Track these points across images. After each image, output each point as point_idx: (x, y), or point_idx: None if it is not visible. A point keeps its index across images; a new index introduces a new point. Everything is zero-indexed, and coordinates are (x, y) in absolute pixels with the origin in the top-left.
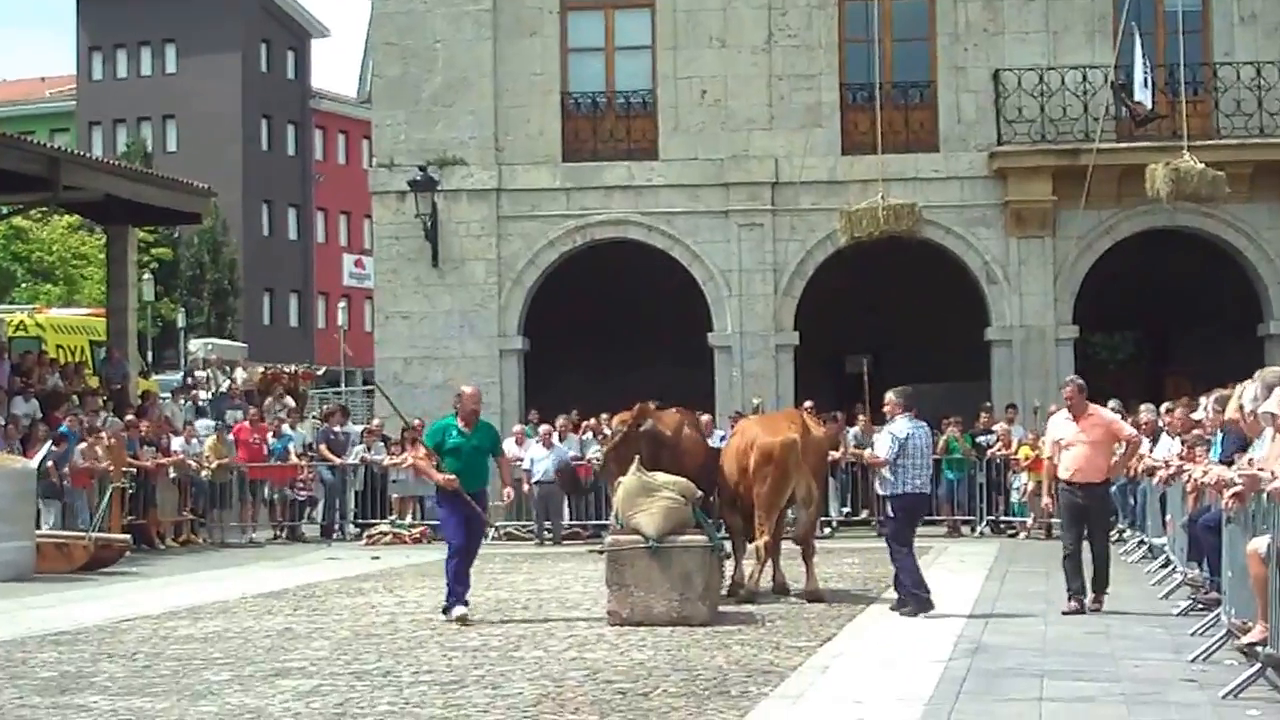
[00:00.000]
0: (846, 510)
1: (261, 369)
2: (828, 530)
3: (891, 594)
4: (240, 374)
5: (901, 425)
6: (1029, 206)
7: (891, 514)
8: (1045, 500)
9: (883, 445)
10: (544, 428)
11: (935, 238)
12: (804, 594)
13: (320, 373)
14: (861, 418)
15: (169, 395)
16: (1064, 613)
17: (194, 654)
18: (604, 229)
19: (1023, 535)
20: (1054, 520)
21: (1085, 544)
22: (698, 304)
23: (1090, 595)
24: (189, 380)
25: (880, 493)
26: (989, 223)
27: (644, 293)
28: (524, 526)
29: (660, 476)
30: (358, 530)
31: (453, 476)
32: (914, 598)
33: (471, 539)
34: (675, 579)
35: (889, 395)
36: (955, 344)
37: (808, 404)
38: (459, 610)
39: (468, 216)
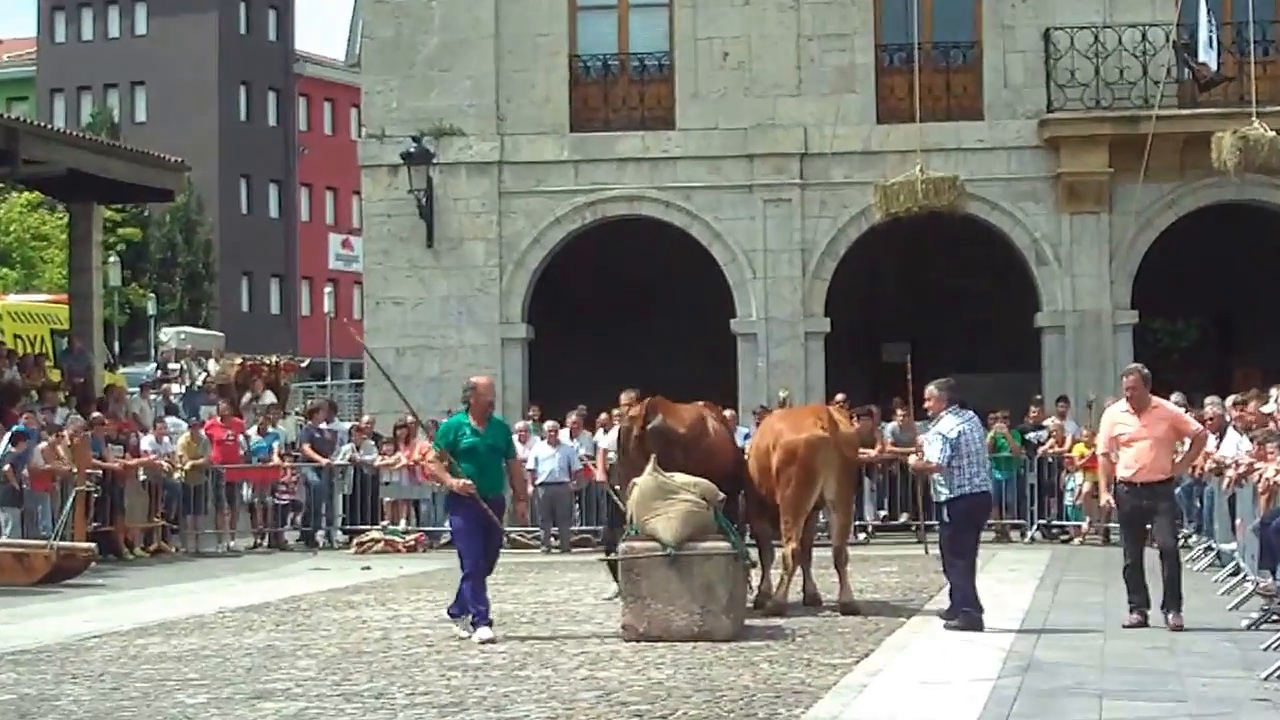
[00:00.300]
0: (883, 514)
1: (239, 360)
2: (862, 536)
3: (934, 604)
4: (214, 366)
5: (949, 422)
6: (1083, 179)
7: (948, 519)
8: (1105, 499)
9: (933, 448)
10: (550, 424)
11: (980, 214)
12: (838, 606)
13: (304, 364)
14: (900, 412)
15: (138, 390)
16: (1125, 626)
17: (167, 674)
18: (616, 205)
19: (1078, 541)
20: (1112, 524)
21: (1146, 550)
22: (719, 288)
23: (1166, 614)
24: (161, 373)
25: (935, 499)
26: (1039, 197)
27: (660, 275)
28: (529, 532)
29: (679, 478)
30: (346, 538)
31: (469, 482)
32: (964, 615)
33: (489, 551)
34: (696, 590)
35: (930, 390)
36: (1002, 331)
37: (839, 397)
38: (484, 633)
39: (466, 192)
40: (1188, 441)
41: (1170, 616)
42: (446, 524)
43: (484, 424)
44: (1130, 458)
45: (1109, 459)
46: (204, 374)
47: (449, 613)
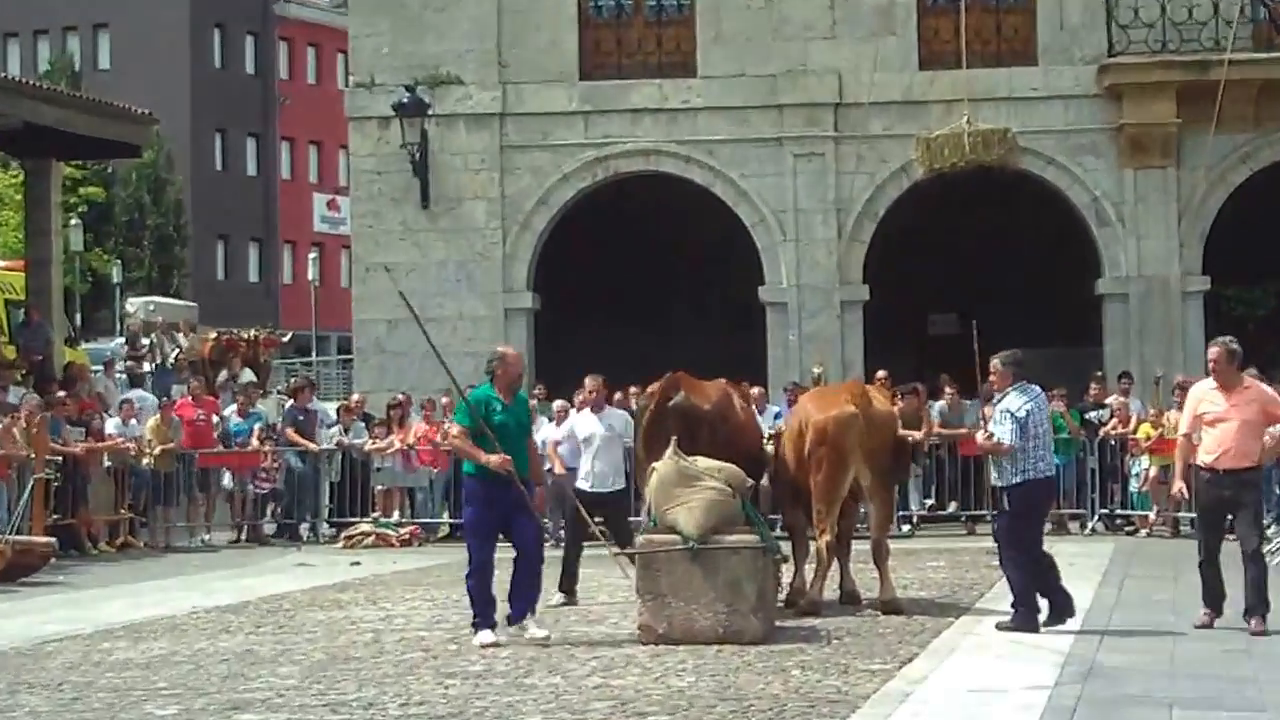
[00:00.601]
0: (930, 503)
1: (214, 334)
2: (906, 528)
3: (985, 603)
4: (184, 340)
5: (1016, 400)
6: (1147, 131)
7: (1009, 506)
8: (1178, 487)
9: (1002, 428)
10: (559, 404)
11: (1034, 170)
12: (878, 605)
13: (286, 338)
14: (948, 390)
15: (102, 367)
16: (1196, 626)
17: (133, 683)
18: (630, 161)
19: (1144, 532)
20: (1183, 514)
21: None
22: (745, 252)
23: (1248, 618)
24: (129, 349)
25: (997, 484)
26: (1099, 151)
27: (679, 239)
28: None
29: (703, 462)
30: (333, 531)
31: (507, 457)
32: (1019, 614)
33: (526, 542)
34: (721, 587)
35: (995, 363)
36: (1059, 300)
37: (881, 374)
38: (485, 636)
39: (465, 147)
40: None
41: (1253, 621)
42: (444, 515)
43: (511, 399)
44: (1213, 441)
45: (1190, 441)
46: (175, 349)
47: (509, 619)
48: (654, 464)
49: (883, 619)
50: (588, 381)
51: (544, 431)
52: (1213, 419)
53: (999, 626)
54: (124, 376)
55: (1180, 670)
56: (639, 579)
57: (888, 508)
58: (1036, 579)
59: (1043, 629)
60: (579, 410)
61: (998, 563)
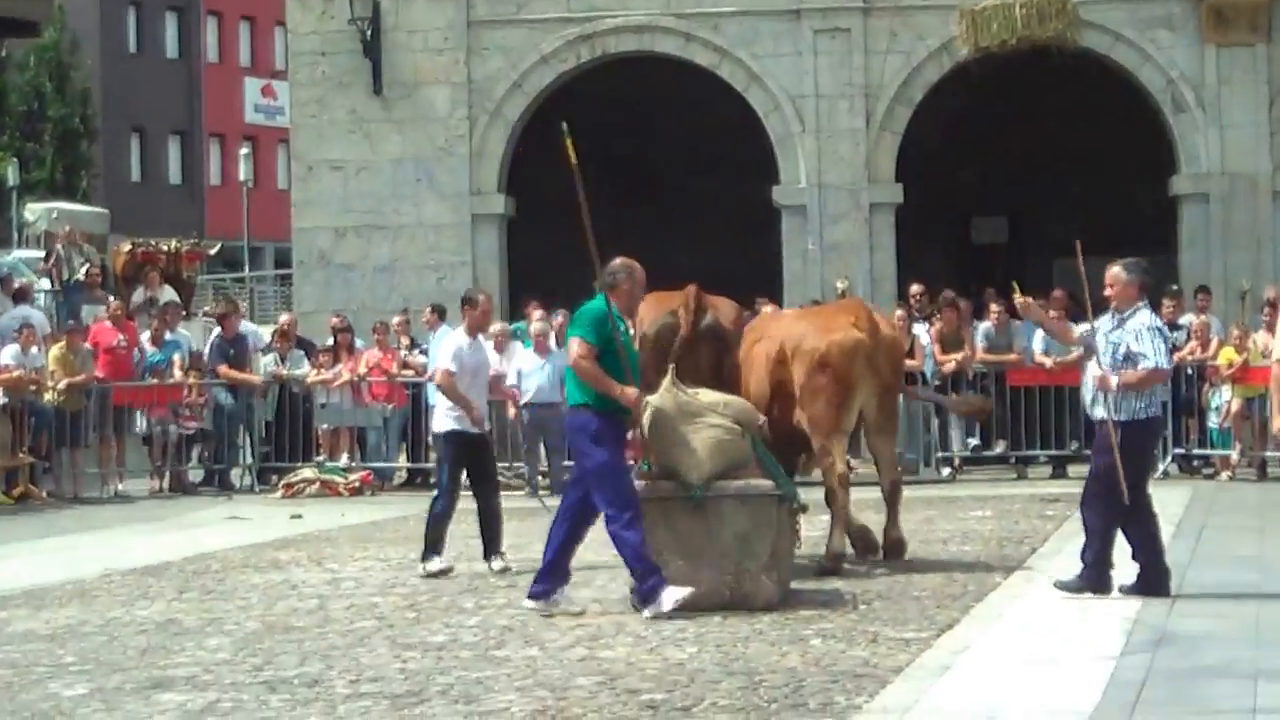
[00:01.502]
0: (974, 443)
1: (128, 245)
2: (947, 471)
3: (1039, 559)
4: (94, 251)
5: (1151, 317)
6: (1234, 1)
7: (1121, 444)
8: (1277, 423)
9: (1154, 348)
10: (537, 326)
11: (1098, 48)
12: (883, 546)
13: (214, 250)
14: (995, 308)
15: None
16: None
17: (36, 657)
18: (621, 38)
19: (1225, 475)
20: (1271, 454)
21: None
22: (757, 145)
23: None
24: (45, 263)
25: (1110, 416)
26: (1175, 24)
27: (679, 130)
28: (511, 469)
29: (705, 395)
30: (271, 478)
31: (639, 393)
32: (1089, 570)
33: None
34: (729, 543)
35: (1116, 273)
36: (1127, 201)
37: (915, 289)
38: (669, 597)
39: (424, 22)
40: None
41: None
42: (401, 459)
43: (632, 321)
44: None
45: None
46: (85, 263)
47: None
48: (648, 398)
49: (917, 581)
50: (535, 314)
51: (519, 358)
52: None
53: (1059, 585)
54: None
55: (1267, 637)
56: None
57: (894, 447)
58: (1140, 538)
59: (1058, 585)
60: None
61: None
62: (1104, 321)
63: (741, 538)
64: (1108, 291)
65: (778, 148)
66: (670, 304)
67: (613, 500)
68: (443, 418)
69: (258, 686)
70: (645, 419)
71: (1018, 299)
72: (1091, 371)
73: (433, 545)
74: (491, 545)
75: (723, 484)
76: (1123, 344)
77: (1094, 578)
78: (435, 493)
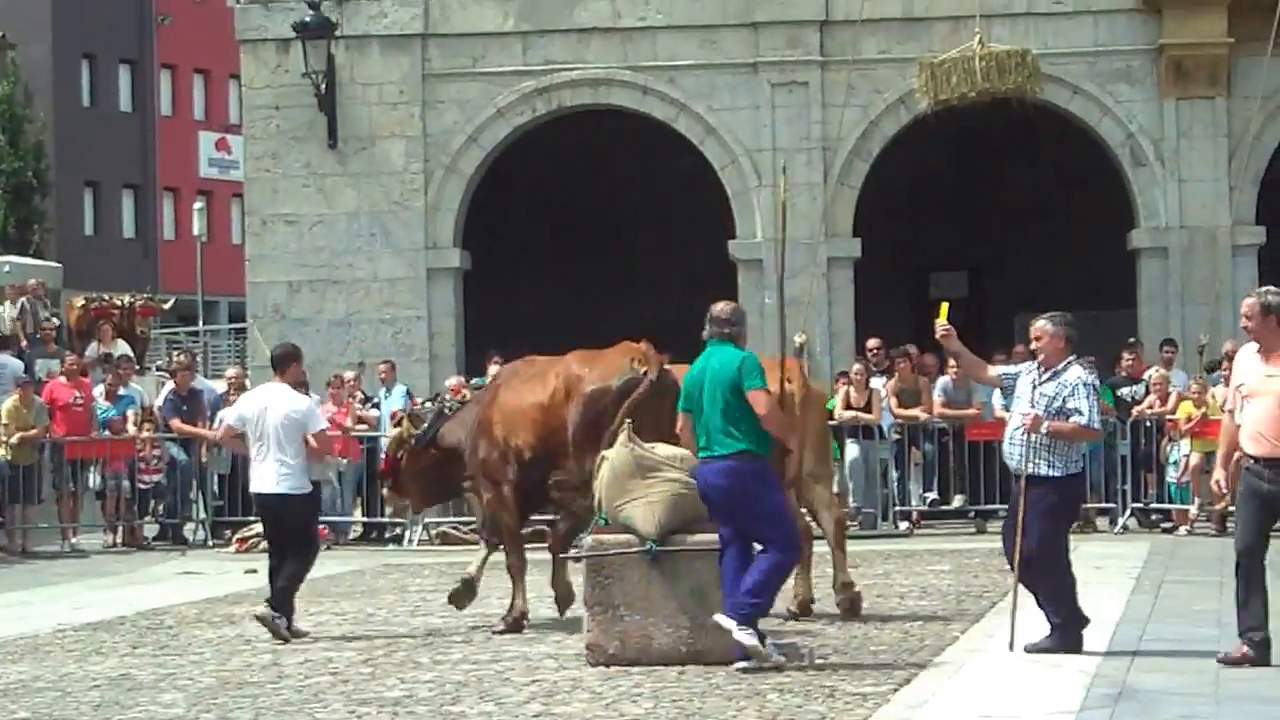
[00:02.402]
0: (932, 498)
1: (81, 300)
2: (905, 525)
3: (996, 612)
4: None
5: (1084, 372)
6: (1193, 54)
7: (1057, 501)
8: (1218, 476)
9: (1089, 404)
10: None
11: (1058, 101)
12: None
13: (168, 305)
14: (953, 361)
15: None
16: (1220, 661)
17: None
18: (578, 91)
19: (1183, 530)
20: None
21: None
22: (713, 199)
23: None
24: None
25: (1040, 473)
26: (1135, 78)
27: (636, 184)
28: (465, 524)
29: (661, 449)
30: (226, 533)
31: None
32: (1059, 631)
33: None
34: (685, 598)
35: (1042, 326)
36: (1086, 255)
37: (872, 343)
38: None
39: (380, 75)
40: None
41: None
42: (356, 514)
43: None
44: (1252, 420)
45: (1233, 420)
46: (50, 317)
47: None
48: (604, 452)
49: (875, 632)
50: (451, 382)
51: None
52: (1249, 393)
53: (1030, 649)
54: None
55: (1227, 693)
56: (586, 589)
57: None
58: (1059, 593)
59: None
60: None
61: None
62: (1030, 369)
63: (698, 592)
64: (1034, 345)
65: (734, 202)
66: (601, 361)
67: (789, 540)
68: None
69: None
70: (601, 473)
71: (939, 323)
72: (1014, 421)
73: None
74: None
75: (678, 538)
76: (1059, 396)
77: (1065, 637)
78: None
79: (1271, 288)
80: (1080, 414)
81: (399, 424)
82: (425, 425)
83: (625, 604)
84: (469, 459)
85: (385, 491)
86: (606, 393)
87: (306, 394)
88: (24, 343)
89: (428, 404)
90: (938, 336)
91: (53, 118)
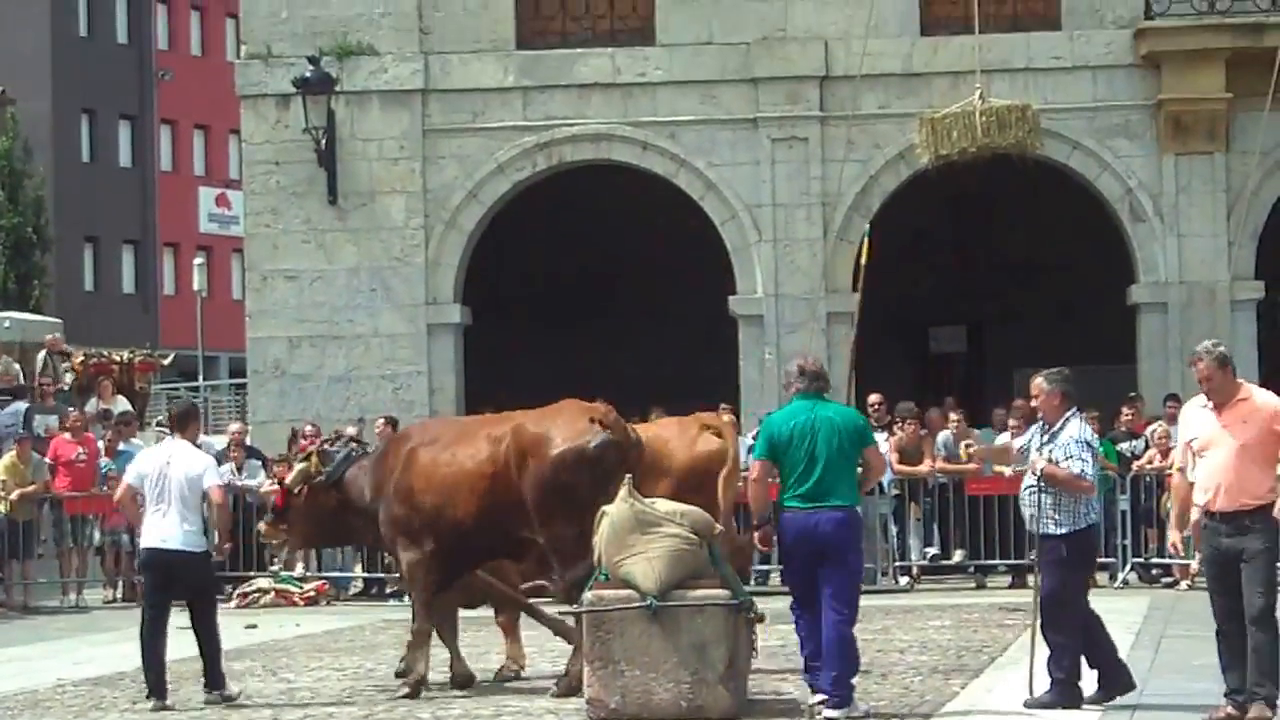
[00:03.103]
0: (932, 552)
1: (80, 355)
2: (905, 580)
3: (997, 669)
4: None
5: (1083, 427)
6: (1192, 109)
7: (1066, 557)
8: (1173, 538)
9: (1082, 459)
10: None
11: (1057, 156)
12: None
13: (168, 360)
14: (954, 417)
15: None
16: None
17: None
18: (577, 147)
19: (1184, 585)
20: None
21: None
22: (713, 255)
23: (1245, 701)
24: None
25: (1048, 531)
26: (1134, 133)
27: (636, 239)
28: None
29: (662, 505)
30: (226, 588)
31: None
32: (1058, 686)
33: None
34: (686, 652)
35: (1040, 384)
36: (1086, 311)
37: (874, 398)
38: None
39: (380, 131)
40: None
41: (1252, 709)
42: (357, 569)
43: None
44: (1205, 475)
45: (1185, 477)
46: (68, 371)
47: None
48: (604, 508)
49: (872, 686)
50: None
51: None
52: (1202, 446)
53: (1029, 704)
54: None
55: None
56: (587, 644)
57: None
58: (1088, 644)
59: (1085, 705)
60: None
61: (1038, 624)
62: (1035, 431)
63: (698, 648)
64: (1034, 403)
65: (734, 257)
66: (559, 420)
67: (855, 600)
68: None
69: None
70: (601, 529)
71: (922, 468)
72: (1026, 481)
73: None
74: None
75: (680, 593)
76: (1056, 459)
77: (1065, 692)
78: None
79: (1216, 340)
80: (1073, 469)
81: (308, 458)
82: (332, 465)
83: (626, 659)
84: (383, 520)
85: (264, 525)
86: (582, 454)
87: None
88: (49, 399)
89: (336, 445)
90: (971, 458)
91: (53, 173)
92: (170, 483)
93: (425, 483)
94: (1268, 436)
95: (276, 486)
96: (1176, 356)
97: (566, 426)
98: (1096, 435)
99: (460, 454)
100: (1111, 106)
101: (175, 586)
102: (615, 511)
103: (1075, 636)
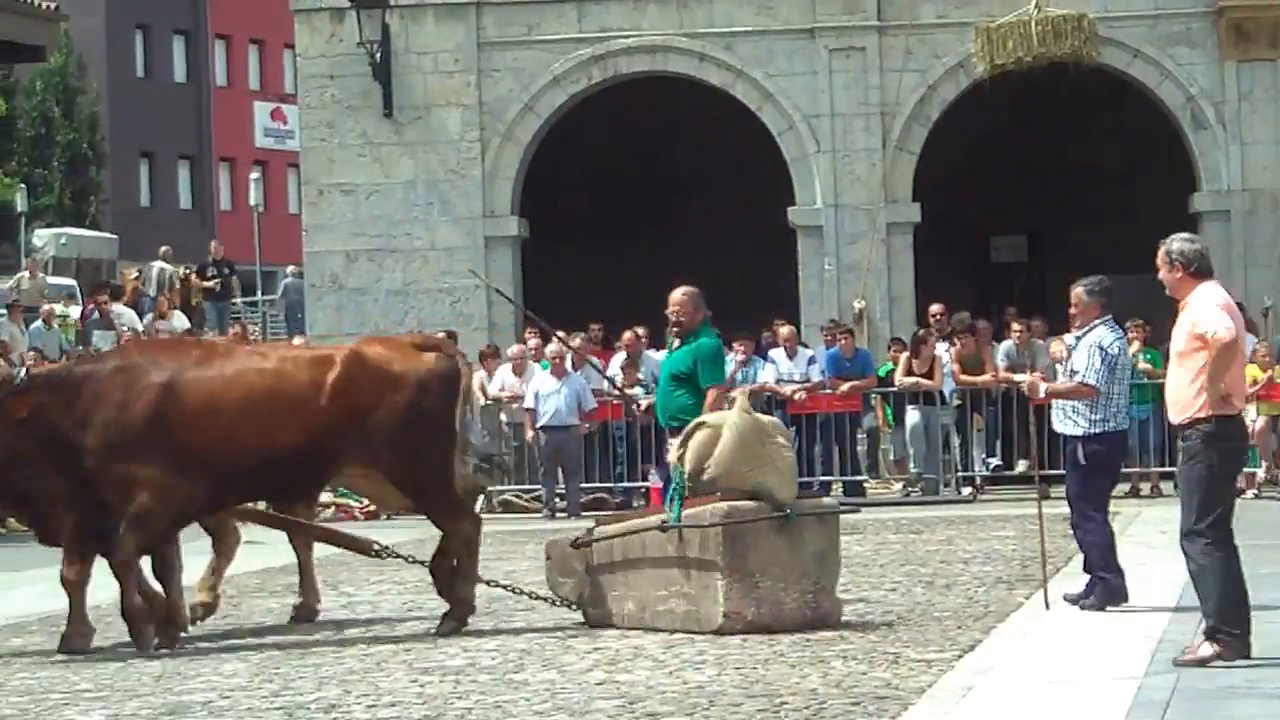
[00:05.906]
0: (995, 463)
1: (137, 271)
2: (968, 491)
3: (1066, 580)
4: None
5: (1104, 334)
6: (1254, 16)
7: (1084, 460)
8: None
9: (1087, 364)
10: (554, 347)
11: (1117, 64)
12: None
13: (233, 286)
14: (1016, 326)
15: (5, 311)
16: (1176, 661)
17: (51, 684)
18: (634, 59)
19: (1250, 493)
20: None
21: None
22: (771, 166)
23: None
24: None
25: (1065, 431)
26: (1195, 40)
27: (693, 151)
28: (528, 492)
29: (765, 417)
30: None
31: None
32: (1102, 584)
33: None
34: (808, 561)
35: (1078, 293)
36: (1147, 219)
37: (935, 308)
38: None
39: (435, 44)
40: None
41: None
42: None
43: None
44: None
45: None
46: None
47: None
48: (708, 417)
49: (938, 601)
50: None
51: (537, 381)
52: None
53: (1069, 599)
54: (42, 323)
55: None
56: (724, 554)
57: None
58: (1105, 545)
59: (1076, 603)
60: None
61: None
62: (1070, 340)
63: (818, 556)
64: (1072, 310)
65: (793, 168)
66: (398, 346)
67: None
68: None
69: (275, 712)
70: (725, 440)
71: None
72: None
73: None
74: None
75: (804, 503)
76: (1075, 366)
77: (1104, 593)
78: None
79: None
80: (1076, 372)
81: None
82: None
83: (760, 570)
84: (110, 462)
85: None
86: (449, 378)
87: None
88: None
89: (21, 372)
90: (1028, 392)
91: (107, 89)
92: None
93: (194, 414)
94: (1190, 342)
95: None
96: (1239, 264)
97: (407, 352)
98: (1127, 342)
99: (257, 379)
100: (1172, 14)
101: None
102: (736, 420)
103: (1097, 534)
